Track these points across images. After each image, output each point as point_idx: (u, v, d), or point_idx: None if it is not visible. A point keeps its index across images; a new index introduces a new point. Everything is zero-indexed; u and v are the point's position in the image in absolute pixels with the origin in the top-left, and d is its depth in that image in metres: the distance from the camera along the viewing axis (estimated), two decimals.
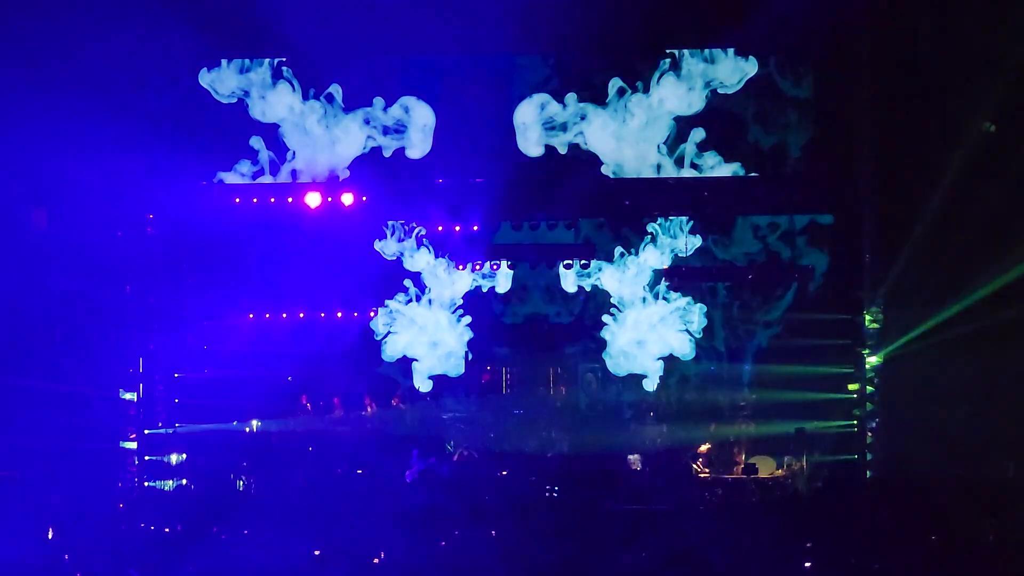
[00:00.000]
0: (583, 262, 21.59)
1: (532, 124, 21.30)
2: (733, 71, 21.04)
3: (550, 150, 21.33)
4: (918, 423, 19.45)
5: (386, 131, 21.50)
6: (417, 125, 21.43)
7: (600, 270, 21.73)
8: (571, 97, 21.29)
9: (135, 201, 20.69)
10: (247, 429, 20.53)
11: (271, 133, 21.40)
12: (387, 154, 21.52)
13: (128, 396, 20.62)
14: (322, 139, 21.41)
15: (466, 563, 16.27)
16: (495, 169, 21.12)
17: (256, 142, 21.32)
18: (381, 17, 20.46)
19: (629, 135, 21.29)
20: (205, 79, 21.15)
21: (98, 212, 20.14)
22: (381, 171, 21.43)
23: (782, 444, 20.60)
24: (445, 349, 21.88)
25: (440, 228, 21.50)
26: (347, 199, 20.99)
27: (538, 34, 20.46)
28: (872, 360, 20.84)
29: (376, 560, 16.31)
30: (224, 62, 21.16)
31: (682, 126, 21.20)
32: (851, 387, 20.99)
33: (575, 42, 20.80)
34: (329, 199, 20.98)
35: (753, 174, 21.17)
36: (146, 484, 20.02)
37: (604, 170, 21.30)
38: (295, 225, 21.27)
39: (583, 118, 21.31)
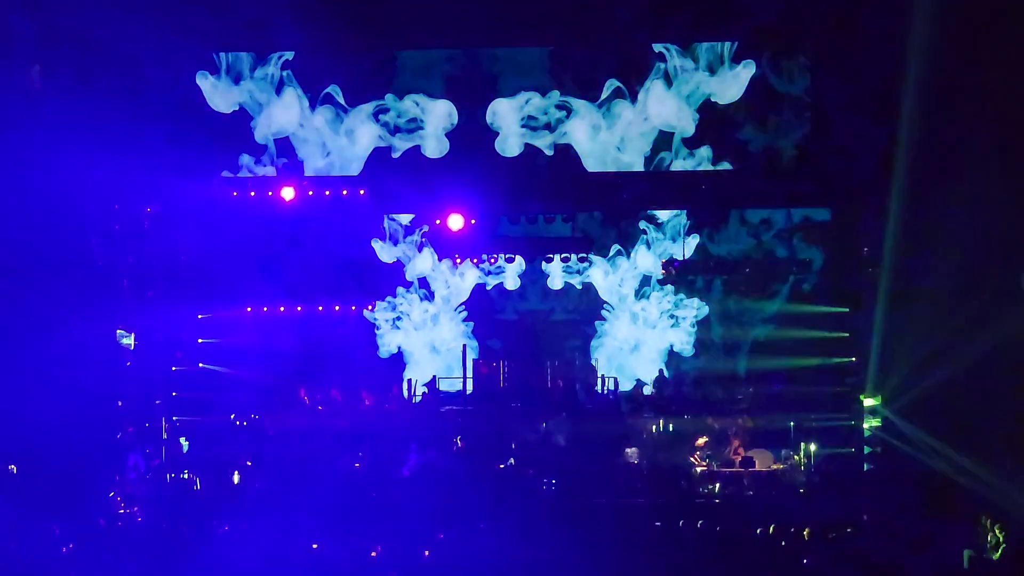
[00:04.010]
0: (580, 257, 21.65)
1: (512, 122, 21.29)
2: (728, 82, 21.01)
3: (535, 148, 21.34)
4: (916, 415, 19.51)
5: (396, 130, 21.52)
6: (434, 124, 21.41)
7: (591, 265, 21.81)
8: (554, 94, 21.29)
9: (135, 195, 20.75)
10: (245, 422, 20.58)
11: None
12: (396, 155, 21.52)
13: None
14: (333, 143, 21.42)
15: (463, 558, 16.33)
16: (491, 164, 21.17)
17: (264, 138, 21.34)
18: (379, 13, 20.46)
19: (615, 137, 21.31)
20: (204, 87, 21.13)
21: (96, 209, 20.19)
22: (386, 169, 21.46)
23: (780, 437, 20.63)
24: (444, 346, 21.96)
25: (438, 223, 21.54)
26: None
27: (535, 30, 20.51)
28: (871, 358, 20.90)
29: (373, 554, 16.36)
30: (223, 69, 21.11)
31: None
32: (848, 380, 21.03)
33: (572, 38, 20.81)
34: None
35: (747, 169, 21.18)
36: (146, 477, 20.06)
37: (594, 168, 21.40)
38: (294, 219, 21.35)
39: (569, 116, 21.31)
